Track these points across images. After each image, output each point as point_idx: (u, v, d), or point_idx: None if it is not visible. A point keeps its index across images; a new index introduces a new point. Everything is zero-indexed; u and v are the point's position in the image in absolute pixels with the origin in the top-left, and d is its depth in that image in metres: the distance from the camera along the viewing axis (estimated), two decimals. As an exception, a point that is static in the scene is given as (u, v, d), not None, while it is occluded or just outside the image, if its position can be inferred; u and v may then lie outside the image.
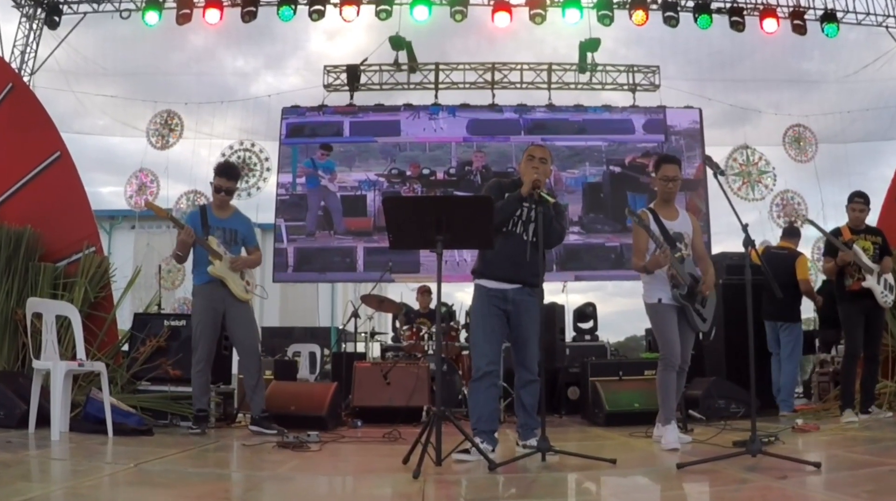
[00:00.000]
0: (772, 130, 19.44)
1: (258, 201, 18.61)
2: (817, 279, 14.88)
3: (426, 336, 12.82)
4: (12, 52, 17.83)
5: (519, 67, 19.21)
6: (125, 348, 10.96)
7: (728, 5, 17.48)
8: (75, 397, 9.08)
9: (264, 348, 9.66)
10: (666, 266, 7.91)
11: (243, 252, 9.77)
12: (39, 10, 17.94)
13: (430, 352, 12.50)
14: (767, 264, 9.79)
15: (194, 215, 9.74)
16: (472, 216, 6.45)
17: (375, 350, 16.31)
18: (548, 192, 7.11)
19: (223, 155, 19.09)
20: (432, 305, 14.35)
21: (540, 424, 6.43)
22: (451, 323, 13.08)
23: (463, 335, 13.16)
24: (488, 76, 19.13)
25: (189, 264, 9.66)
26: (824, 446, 7.62)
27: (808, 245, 18.12)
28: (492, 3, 17.38)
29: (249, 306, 9.66)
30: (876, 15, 17.77)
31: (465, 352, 12.65)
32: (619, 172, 18.07)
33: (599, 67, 19.06)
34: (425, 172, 18.06)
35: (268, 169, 19.19)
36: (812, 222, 10.96)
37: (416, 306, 14.64)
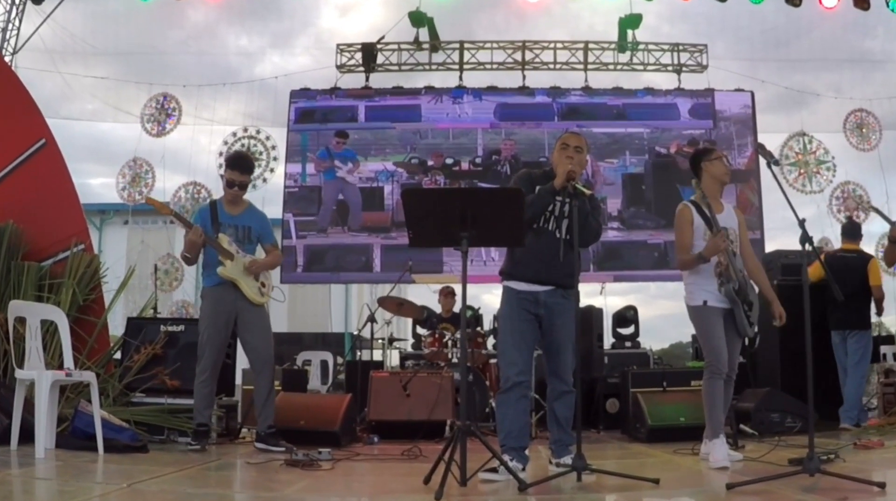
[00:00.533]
0: (831, 116, 19.31)
1: (264, 194, 18.48)
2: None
3: (450, 343, 12.81)
4: (-8, 30, 17.92)
5: (552, 45, 19.14)
6: (117, 356, 10.95)
7: (783, -22, 17.42)
8: (62, 410, 9.08)
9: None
10: (714, 261, 7.92)
11: (259, 252, 9.79)
12: (22, -16, 18.03)
13: (455, 361, 12.50)
14: (836, 269, 9.76)
15: (204, 212, 9.73)
16: (500, 211, 6.43)
17: (394, 359, 16.30)
18: (583, 184, 7.10)
19: (225, 143, 19.11)
20: (456, 308, 14.36)
21: (575, 440, 6.42)
22: (478, 328, 13.07)
23: (490, 341, 13.15)
24: (518, 56, 19.08)
25: (198, 264, 9.68)
26: (889, 464, 7.60)
27: (872, 243, 18.05)
28: (522, -25, 17.40)
29: (264, 310, 9.67)
30: (947, -12, 17.69)
31: (493, 361, 12.64)
32: (662, 161, 18.01)
33: (641, 46, 18.96)
34: (448, 161, 18.04)
35: (275, 158, 19.17)
36: (877, 210, 10.91)
37: (438, 309, 14.64)
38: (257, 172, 18.69)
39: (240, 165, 9.69)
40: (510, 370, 7.02)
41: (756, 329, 8.23)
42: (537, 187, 7.19)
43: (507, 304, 7.27)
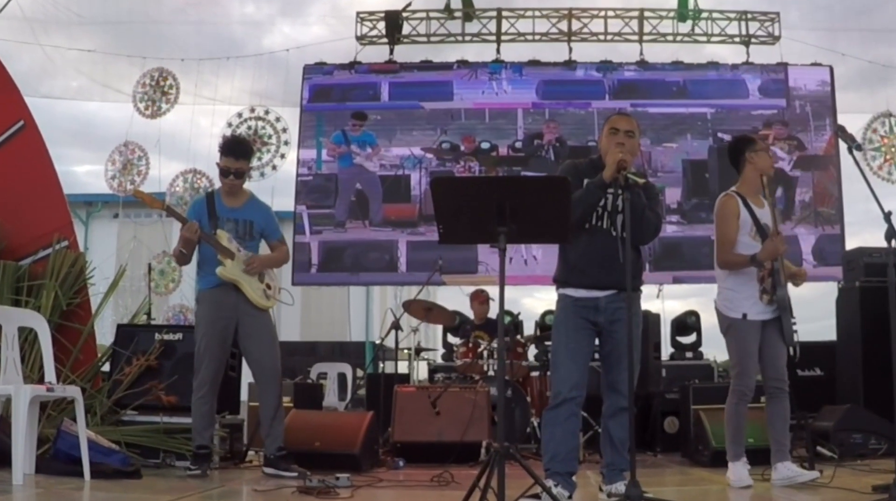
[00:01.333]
0: (921, 94, 19.17)
1: (273, 184, 18.51)
2: None
3: (485, 353, 12.78)
4: (-38, -3, 17.95)
5: (602, 14, 18.98)
6: (106, 368, 10.94)
7: (866, -65, 17.30)
8: (43, 430, 9.05)
9: (282, 368, 9.55)
10: (763, 264, 7.97)
11: (263, 249, 9.74)
12: (-3, -56, 18.05)
13: (491, 373, 12.48)
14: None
15: (199, 205, 9.65)
16: (543, 202, 6.35)
17: (422, 371, 16.30)
18: (636, 171, 7.04)
19: (230, 125, 19.03)
20: (491, 314, 14.30)
21: (630, 464, 6.37)
22: (517, 337, 13.02)
23: (531, 351, 13.11)
24: (564, 26, 18.95)
25: (192, 264, 9.63)
26: None
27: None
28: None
29: (269, 316, 9.59)
30: None
31: (535, 373, 12.62)
32: (728, 146, 17.77)
33: (704, 14, 18.82)
34: (484, 146, 17.97)
35: (286, 143, 19.07)
36: None
37: (471, 315, 14.59)
38: (266, 157, 18.72)
39: (233, 150, 9.55)
40: (563, 385, 7.03)
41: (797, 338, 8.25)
42: (585, 181, 7.15)
43: (564, 312, 7.28)
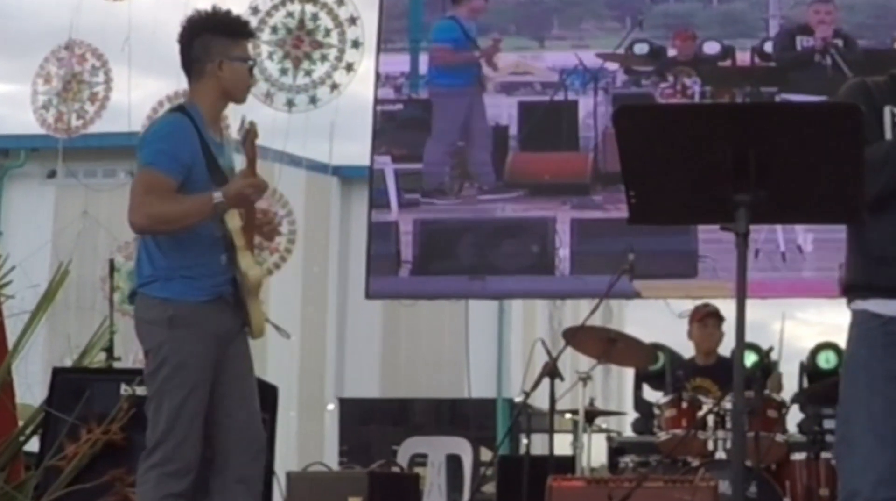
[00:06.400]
0: None
1: (334, 117, 17.81)
2: None
3: (712, 420, 12.58)
4: None
5: None
6: (33, 445, 10.88)
7: None
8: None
9: (350, 445, 9.28)
10: None
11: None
12: None
13: (722, 455, 12.30)
14: None
15: (187, 133, 8.75)
16: (818, 150, 6.12)
17: (597, 451, 16.10)
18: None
19: (255, 12, 17.80)
20: (723, 349, 14.08)
21: None
22: (768, 392, 12.83)
23: (794, 416, 12.94)
24: None
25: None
26: None
27: None
28: None
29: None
30: None
31: (799, 456, 12.43)
32: None
33: None
34: (709, 49, 17.46)
35: (355, 44, 18.25)
36: None
37: (685, 350, 14.40)
38: (319, 71, 17.90)
39: (245, 28, 9.08)
40: (861, 479, 6.64)
41: None
42: (887, 112, 6.85)
43: (864, 343, 6.83)
